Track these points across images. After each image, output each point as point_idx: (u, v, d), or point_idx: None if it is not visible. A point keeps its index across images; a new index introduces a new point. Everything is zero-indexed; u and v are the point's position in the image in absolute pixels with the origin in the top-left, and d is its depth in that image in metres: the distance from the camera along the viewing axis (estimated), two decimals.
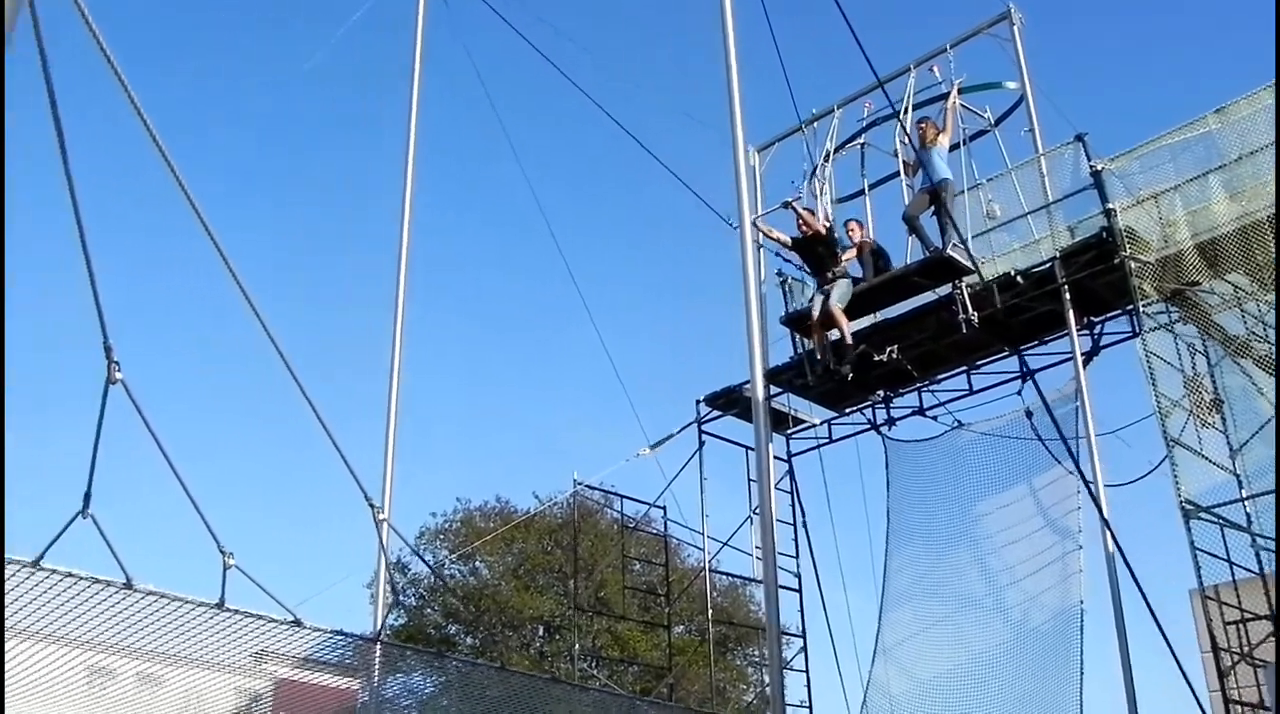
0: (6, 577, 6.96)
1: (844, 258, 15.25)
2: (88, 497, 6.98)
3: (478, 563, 34.03)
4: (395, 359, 13.97)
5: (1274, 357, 12.71)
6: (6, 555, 6.85)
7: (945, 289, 14.43)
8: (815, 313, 14.93)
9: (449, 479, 65.32)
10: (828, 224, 15.38)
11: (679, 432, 17.34)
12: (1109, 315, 14.17)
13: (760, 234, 15.28)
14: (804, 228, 15.05)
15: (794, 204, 15.39)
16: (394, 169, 15.20)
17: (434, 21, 16.01)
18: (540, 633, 33.63)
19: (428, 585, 32.52)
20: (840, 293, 14.74)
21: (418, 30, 15.58)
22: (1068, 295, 13.50)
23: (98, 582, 7.32)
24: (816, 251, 15.09)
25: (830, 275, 14.92)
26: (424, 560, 28.62)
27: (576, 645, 22.27)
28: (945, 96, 15.27)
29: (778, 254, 16.29)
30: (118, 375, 6.46)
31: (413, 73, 15.42)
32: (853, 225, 15.76)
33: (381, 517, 8.98)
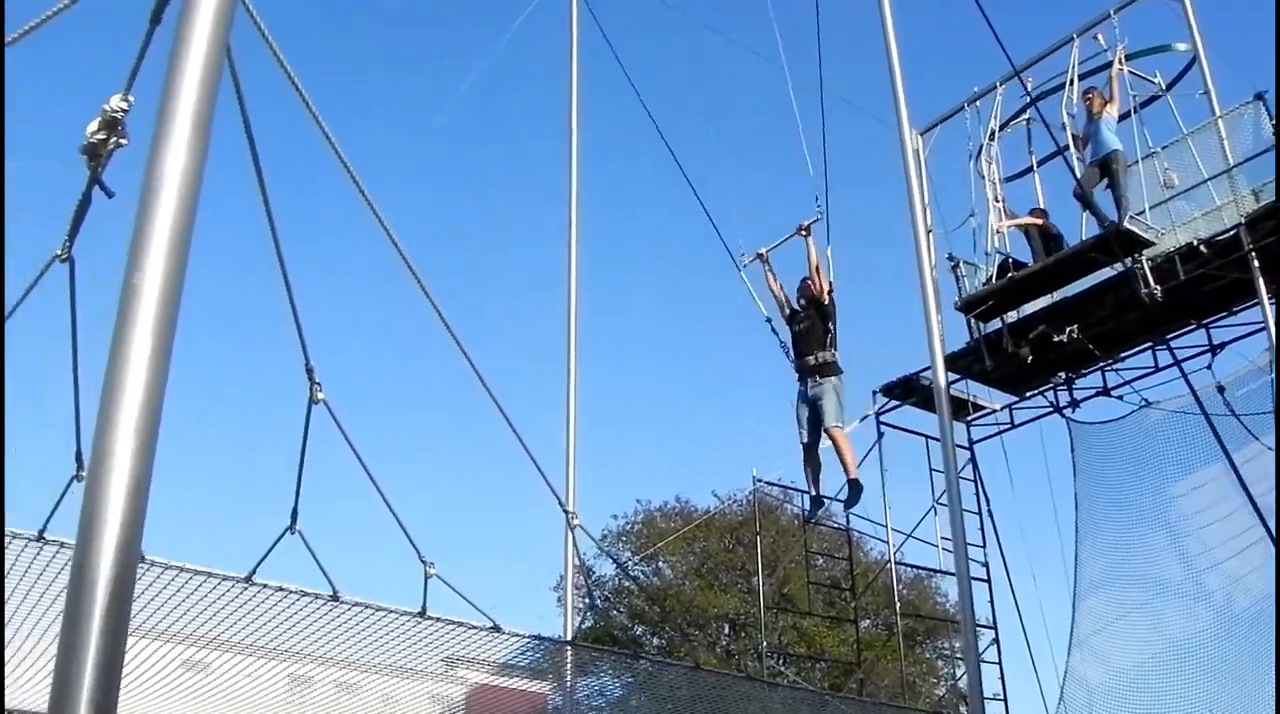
0: (223, 591, 7.34)
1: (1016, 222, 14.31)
2: (295, 514, 7.29)
3: (660, 563, 34.18)
4: (571, 362, 14.07)
5: None
6: (221, 572, 7.22)
7: (1124, 264, 13.94)
8: (804, 436, 12.02)
9: (628, 480, 65.94)
10: (830, 287, 12.23)
11: (857, 423, 17.13)
12: None
13: (764, 269, 12.86)
14: (804, 297, 12.36)
15: (768, 257, 12.78)
16: (560, 170, 15.35)
17: (586, 26, 16.10)
18: (725, 631, 33.59)
19: (612, 587, 32.76)
20: (834, 408, 11.78)
21: (572, 37, 15.73)
22: (1255, 263, 12.91)
23: (306, 595, 7.63)
24: (809, 317, 12.24)
25: (814, 362, 11.90)
26: (618, 562, 28.94)
27: (764, 643, 22.15)
28: (1110, 65, 14.75)
29: (768, 320, 12.75)
30: (320, 395, 6.68)
31: (570, 77, 15.57)
32: (1036, 213, 15.21)
33: (576, 522, 9.12)
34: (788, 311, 12.47)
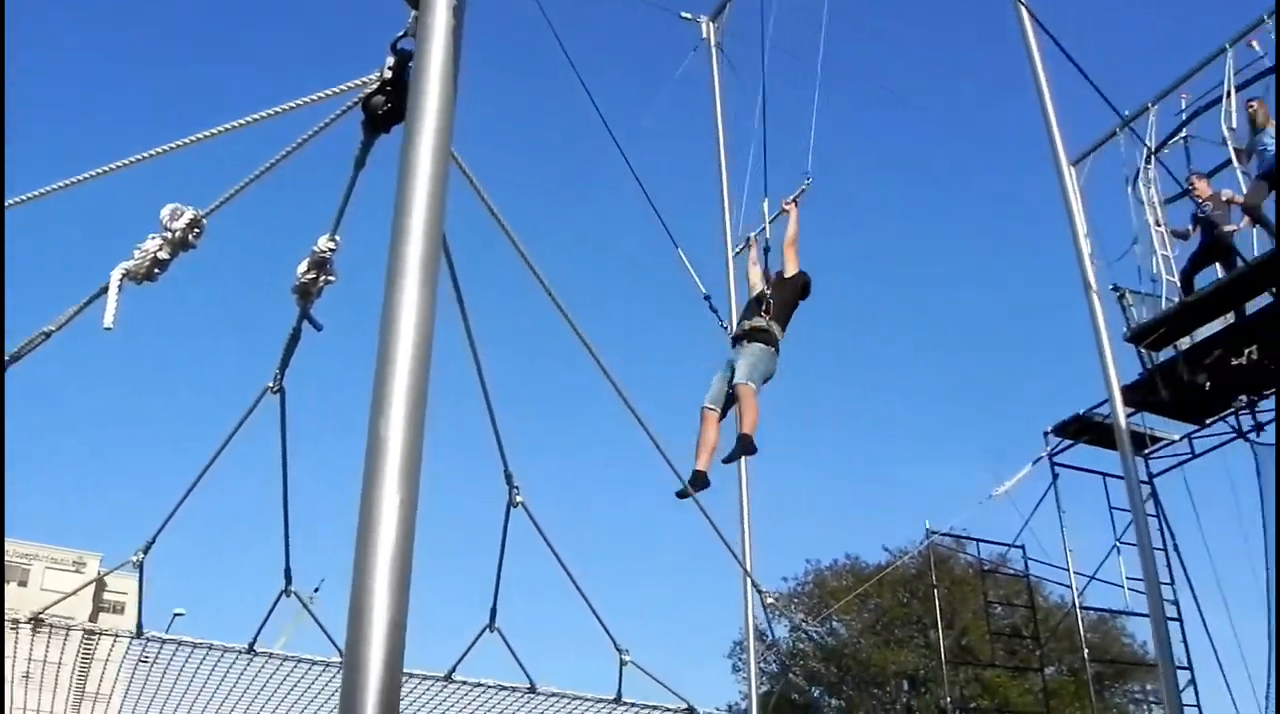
0: (423, 690, 7.52)
1: (1236, 227, 13.49)
2: (494, 612, 7.45)
3: (834, 623, 33.72)
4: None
5: None
6: (423, 672, 7.42)
7: None
8: (708, 400, 10.21)
9: (796, 543, 65.63)
10: (793, 267, 10.76)
11: (1031, 467, 16.68)
12: None
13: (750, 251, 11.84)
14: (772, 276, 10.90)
15: (754, 242, 11.79)
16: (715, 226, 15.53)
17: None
18: (905, 688, 32.92)
19: (787, 650, 32.42)
20: (752, 364, 10.15)
21: (715, 90, 15.94)
22: None
23: (504, 689, 7.76)
24: (755, 297, 10.77)
25: (748, 326, 10.44)
26: (810, 634, 28.79)
27: (946, 698, 21.57)
28: (1270, 71, 14.19)
29: (706, 297, 11.83)
30: (519, 499, 6.87)
31: (716, 128, 15.78)
32: (1196, 183, 14.25)
33: (770, 600, 9.13)
34: (754, 294, 10.94)
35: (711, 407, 10.11)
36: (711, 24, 17.52)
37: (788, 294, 10.65)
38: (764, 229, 11.76)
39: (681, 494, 9.21)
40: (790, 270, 10.75)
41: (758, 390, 10.05)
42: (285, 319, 5.13)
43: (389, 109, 3.80)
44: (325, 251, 4.46)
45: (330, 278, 4.53)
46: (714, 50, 17.35)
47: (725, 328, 11.16)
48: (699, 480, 9.80)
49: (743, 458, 10.52)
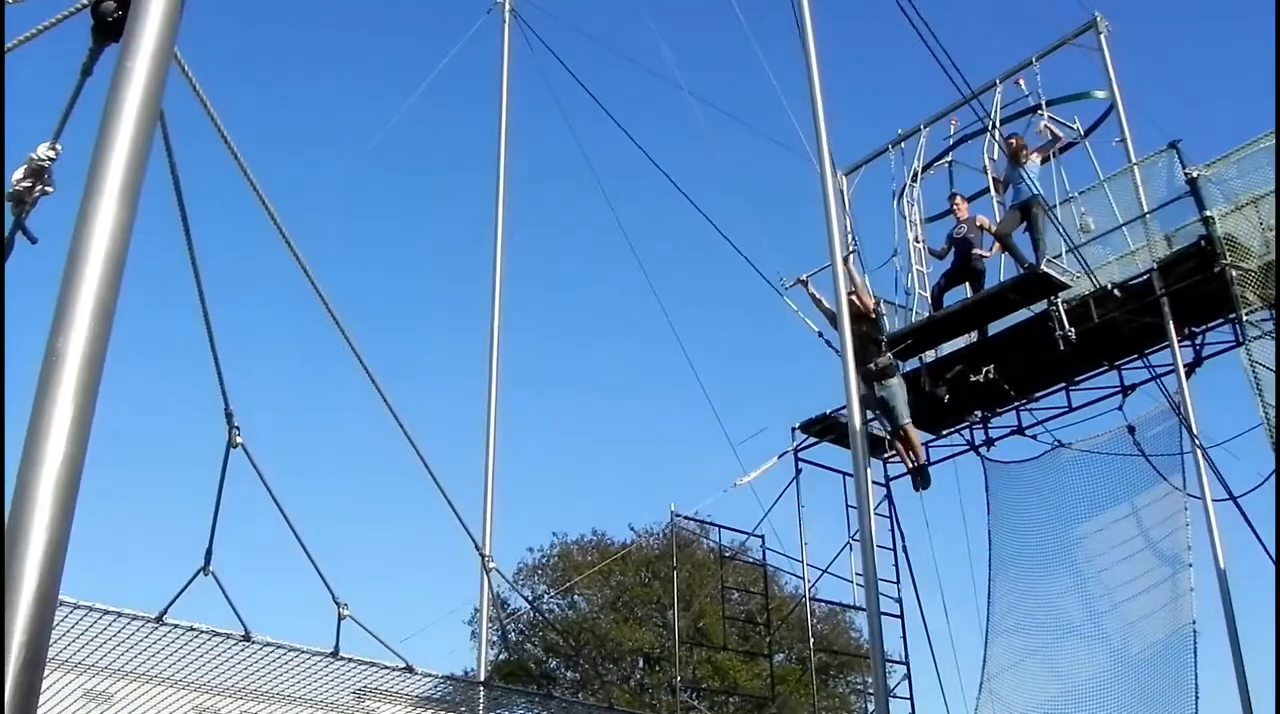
0: (132, 631, 7.27)
1: (986, 254, 14.69)
2: (209, 554, 7.24)
3: (576, 596, 34.07)
4: (491, 398, 14.08)
5: None
6: (133, 611, 7.15)
7: (1041, 306, 14.19)
8: (885, 427, 14.20)
9: (544, 513, 65.64)
10: (875, 303, 13.73)
11: (776, 460, 17.18)
12: (1210, 325, 13.83)
13: (809, 294, 14.03)
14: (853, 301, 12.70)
15: (809, 283, 13.94)
16: (487, 202, 15.46)
17: (518, 57, 16.23)
18: (640, 665, 33.51)
19: (528, 621, 32.60)
20: (900, 405, 13.69)
21: (503, 67, 15.79)
22: (1167, 307, 13.20)
23: (217, 635, 7.57)
24: (859, 332, 12.70)
25: (875, 368, 13.48)
26: (529, 603, 28.77)
27: (678, 677, 22.09)
28: (1033, 110, 15.03)
29: (820, 334, 14.32)
30: (239, 439, 6.69)
31: (500, 110, 15.62)
32: (958, 202, 15.42)
33: (491, 565, 9.20)
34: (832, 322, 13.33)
35: (887, 434, 14.69)
36: None
37: (876, 323, 13.62)
38: (814, 273, 13.92)
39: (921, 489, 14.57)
40: (870, 311, 13.48)
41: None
42: None
43: (119, 17, 3.66)
44: (44, 159, 4.27)
45: (48, 188, 4.33)
46: (507, 17, 17.23)
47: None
48: (922, 472, 14.69)
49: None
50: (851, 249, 14.43)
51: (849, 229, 16.05)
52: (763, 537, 17.90)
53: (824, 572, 17.32)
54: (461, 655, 32.08)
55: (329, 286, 6.05)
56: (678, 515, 19.05)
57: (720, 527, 19.29)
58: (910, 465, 14.57)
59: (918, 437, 13.93)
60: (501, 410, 15.01)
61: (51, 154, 4.26)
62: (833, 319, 12.88)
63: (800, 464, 17.27)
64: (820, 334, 14.22)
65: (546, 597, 32.60)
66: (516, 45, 16.84)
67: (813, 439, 17.27)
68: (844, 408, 13.62)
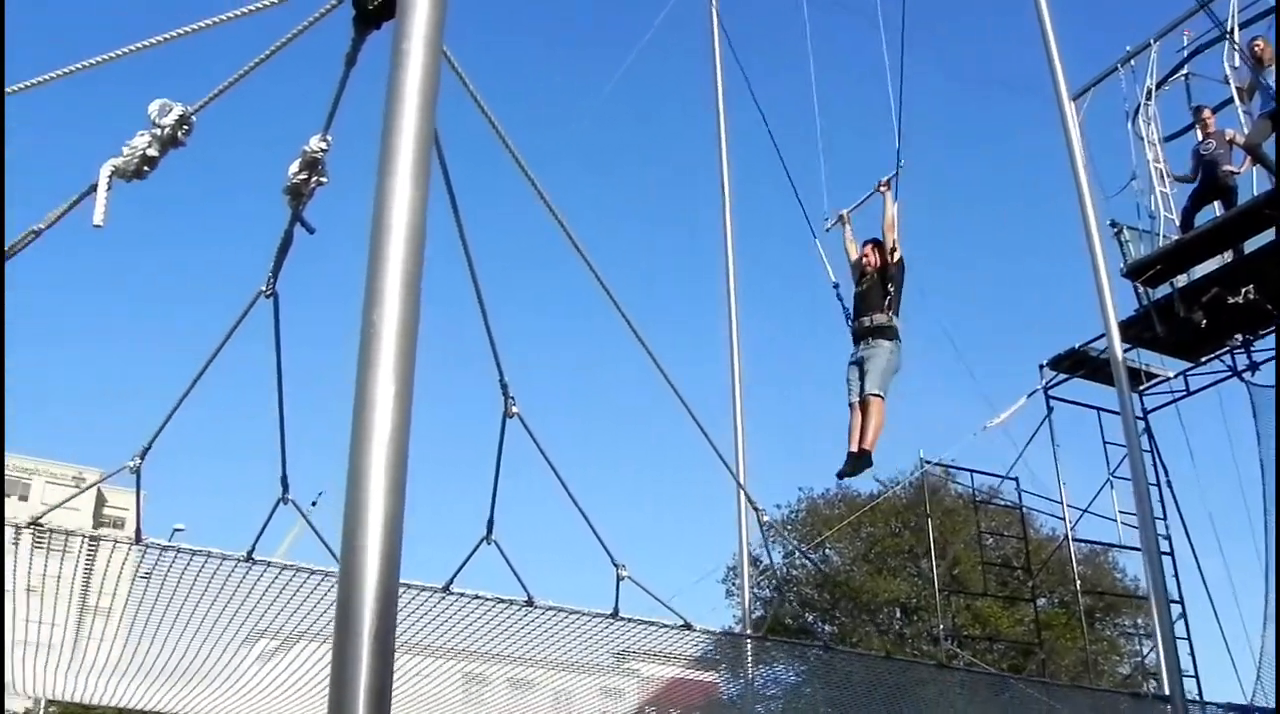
0: (420, 603, 7.57)
1: (1236, 170, 13.57)
2: (490, 524, 7.46)
3: (827, 550, 34.00)
4: (734, 353, 14.06)
5: None
6: (420, 583, 7.46)
7: None
8: (852, 396, 10.79)
9: (787, 469, 65.75)
10: (898, 253, 11.08)
11: (1026, 399, 16.75)
12: None
13: (845, 232, 11.92)
14: (867, 260, 11.21)
15: (847, 219, 11.91)
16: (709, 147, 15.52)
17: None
18: (897, 615, 33.28)
19: (781, 576, 32.70)
20: (882, 370, 10.65)
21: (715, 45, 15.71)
22: None
23: (501, 601, 7.84)
24: (866, 280, 11.16)
25: (869, 324, 10.84)
26: (811, 560, 28.96)
27: (940, 626, 21.84)
28: (1272, 11, 14.12)
29: (835, 286, 11.64)
30: (514, 410, 6.82)
31: (714, 75, 15.57)
32: (1206, 116, 14.49)
33: (765, 519, 9.29)
34: (856, 274, 11.45)
35: (852, 401, 10.70)
36: None
37: (899, 280, 10.97)
38: (856, 206, 11.91)
39: (842, 475, 10.82)
40: (896, 255, 10.97)
41: (886, 396, 10.62)
42: (278, 221, 5.05)
43: (380, 3, 3.74)
44: (317, 151, 4.41)
45: (322, 179, 4.47)
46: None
47: (848, 321, 11.23)
48: (859, 459, 10.64)
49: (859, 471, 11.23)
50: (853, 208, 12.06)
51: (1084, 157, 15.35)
52: (1016, 479, 17.64)
53: (1084, 511, 16.87)
54: (719, 614, 32.39)
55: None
56: (927, 462, 18.89)
57: (972, 471, 18.94)
58: (855, 446, 10.83)
59: (883, 417, 10.63)
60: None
61: (323, 145, 4.41)
62: (860, 271, 11.29)
63: (1051, 402, 16.81)
64: (835, 286, 11.67)
65: (797, 553, 32.58)
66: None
67: (1063, 375, 16.76)
68: (1098, 339, 13.16)
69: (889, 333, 10.79)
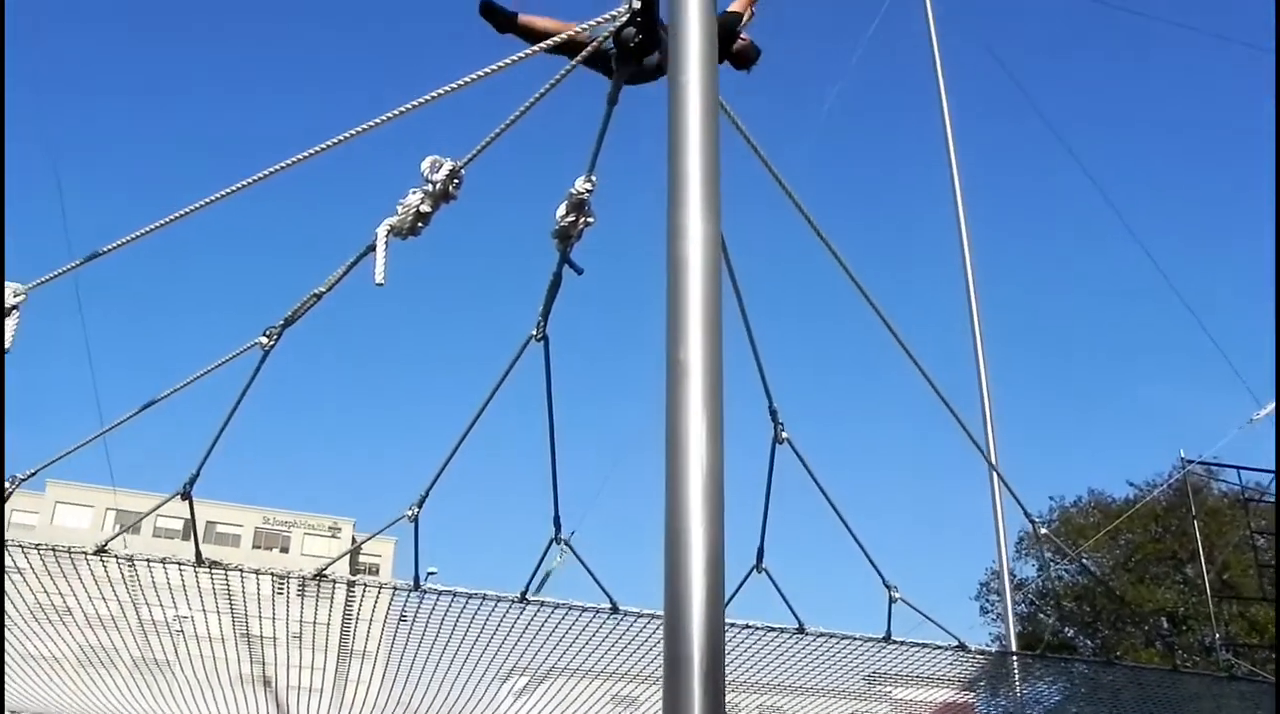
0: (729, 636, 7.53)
1: None
2: (760, 552, 7.41)
3: (1083, 560, 32.78)
4: (981, 370, 13.76)
5: None
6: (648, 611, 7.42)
7: None
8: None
9: (1034, 478, 64.30)
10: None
11: None
12: None
13: None
14: None
15: None
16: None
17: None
18: (1164, 625, 31.74)
19: (1036, 590, 31.68)
20: None
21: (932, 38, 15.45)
22: None
23: (772, 630, 7.76)
24: None
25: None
26: (1091, 570, 27.99)
27: (1216, 635, 20.67)
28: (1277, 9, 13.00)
29: None
30: (784, 435, 6.76)
31: (937, 82, 15.32)
32: None
33: (1044, 531, 9.09)
34: None
35: None
36: None
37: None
38: None
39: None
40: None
41: None
42: (545, 266, 5.07)
43: (640, 40, 3.70)
44: (583, 193, 4.44)
45: (589, 219, 4.50)
46: None
47: None
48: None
49: None
50: None
51: None
52: None
53: None
54: (975, 632, 31.49)
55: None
56: (1189, 461, 18.00)
57: (1239, 467, 17.95)
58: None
59: None
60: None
61: (589, 187, 4.44)
62: None
63: None
64: None
65: (1051, 565, 31.46)
66: None
67: None
68: None
69: None
